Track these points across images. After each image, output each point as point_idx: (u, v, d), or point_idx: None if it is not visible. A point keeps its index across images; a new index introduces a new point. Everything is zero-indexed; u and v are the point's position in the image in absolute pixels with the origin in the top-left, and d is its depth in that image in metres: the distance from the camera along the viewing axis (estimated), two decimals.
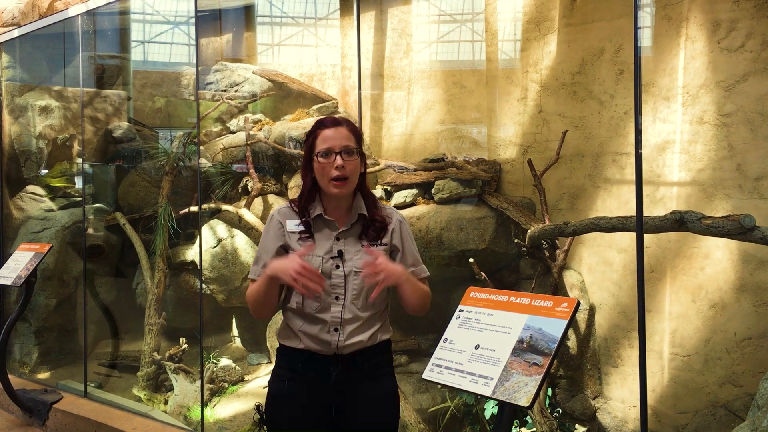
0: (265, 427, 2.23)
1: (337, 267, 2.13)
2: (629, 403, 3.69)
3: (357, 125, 2.25)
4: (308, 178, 2.19)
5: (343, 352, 2.13)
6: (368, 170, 4.59)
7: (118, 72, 6.34)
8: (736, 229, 2.66)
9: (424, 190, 4.42)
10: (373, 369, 2.19)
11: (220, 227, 5.07)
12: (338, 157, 2.09)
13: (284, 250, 2.19)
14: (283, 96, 5.54)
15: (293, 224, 2.19)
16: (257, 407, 2.26)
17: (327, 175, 2.11)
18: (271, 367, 4.98)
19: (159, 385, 4.99)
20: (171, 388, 4.84)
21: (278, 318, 4.21)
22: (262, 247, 2.23)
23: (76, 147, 6.03)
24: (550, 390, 3.80)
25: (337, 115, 2.26)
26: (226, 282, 4.94)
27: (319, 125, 2.18)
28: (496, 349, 1.88)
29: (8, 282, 4.42)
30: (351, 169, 2.12)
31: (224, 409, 4.51)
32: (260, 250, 2.24)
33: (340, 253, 2.14)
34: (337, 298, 2.13)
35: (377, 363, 2.22)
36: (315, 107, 5.23)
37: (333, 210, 2.19)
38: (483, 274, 3.76)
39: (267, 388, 2.26)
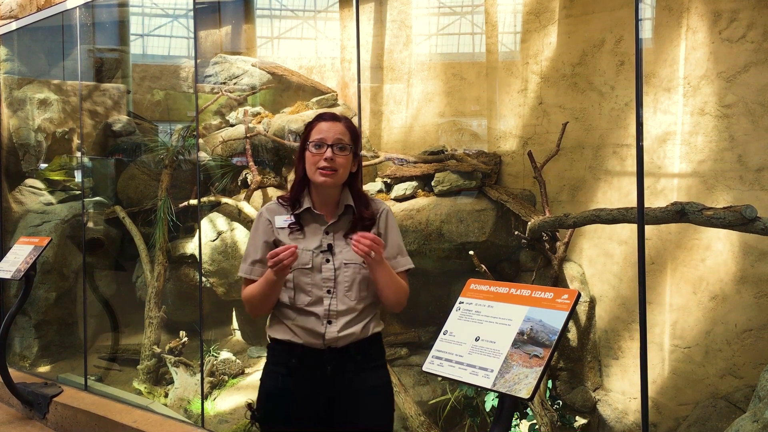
0: (257, 424, 2.22)
1: (327, 261, 2.14)
2: (630, 394, 3.70)
3: (357, 120, 2.26)
4: (300, 168, 2.21)
5: (337, 345, 2.13)
6: (368, 163, 4.59)
7: (117, 65, 6.32)
8: (738, 220, 2.65)
9: (424, 182, 4.40)
10: (366, 361, 2.20)
11: (220, 220, 5.06)
12: (329, 149, 2.11)
13: (274, 246, 2.19)
14: (283, 89, 5.52)
15: (281, 220, 2.20)
16: (249, 405, 2.24)
17: (315, 165, 2.13)
18: None
19: (159, 378, 4.99)
20: (171, 381, 4.84)
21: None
22: (251, 244, 2.25)
23: (75, 140, 6.02)
24: (550, 382, 3.80)
25: (339, 113, 2.26)
26: (225, 275, 4.93)
27: (318, 118, 2.21)
28: (497, 341, 1.87)
29: (8, 275, 4.42)
30: (341, 162, 2.14)
31: (224, 402, 4.52)
32: (249, 248, 2.25)
33: (330, 247, 2.15)
34: (328, 291, 2.13)
35: (370, 355, 2.22)
36: (314, 100, 5.21)
37: (321, 204, 2.20)
38: (483, 266, 3.76)
39: (259, 385, 2.25)
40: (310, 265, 2.13)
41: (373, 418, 2.20)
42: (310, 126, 2.20)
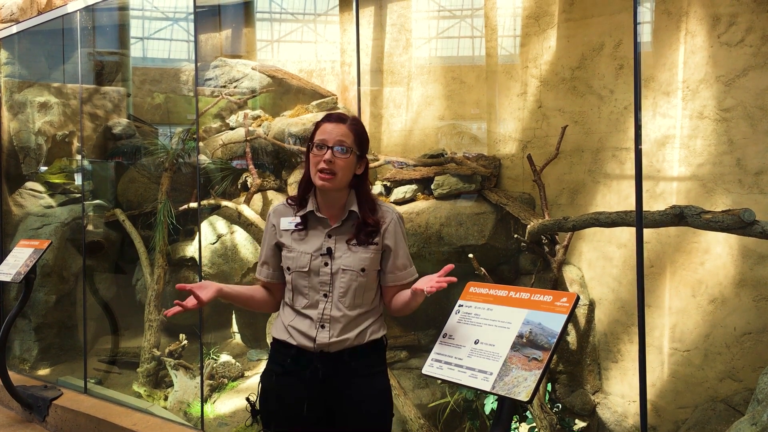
0: (259, 417, 2.25)
1: (326, 264, 2.13)
2: (629, 398, 3.70)
3: (364, 126, 2.24)
4: (307, 168, 2.20)
5: (329, 350, 2.12)
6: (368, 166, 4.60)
7: (117, 68, 6.33)
8: (736, 223, 2.66)
9: (424, 185, 4.41)
10: (363, 368, 2.17)
11: (220, 223, 5.06)
12: (329, 151, 2.08)
13: (278, 248, 2.23)
14: (283, 92, 5.53)
15: (287, 222, 2.21)
16: (249, 400, 2.26)
17: (315, 166, 2.11)
18: None
19: (159, 381, 4.99)
20: (171, 384, 4.84)
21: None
22: (262, 246, 2.32)
23: (76, 143, 6.03)
24: (549, 385, 3.80)
25: (348, 114, 2.25)
26: (225, 278, 4.94)
27: (325, 118, 2.19)
28: (496, 344, 1.88)
29: (8, 278, 4.42)
30: (340, 165, 2.09)
31: (224, 404, 4.51)
32: (261, 249, 2.32)
33: (329, 251, 2.13)
34: (325, 296, 2.13)
35: (368, 362, 2.19)
36: (314, 103, 5.22)
37: (326, 207, 2.18)
38: (482, 269, 3.76)
39: (259, 381, 2.29)
40: (306, 269, 2.13)
41: (369, 423, 2.18)
42: (316, 126, 2.17)
